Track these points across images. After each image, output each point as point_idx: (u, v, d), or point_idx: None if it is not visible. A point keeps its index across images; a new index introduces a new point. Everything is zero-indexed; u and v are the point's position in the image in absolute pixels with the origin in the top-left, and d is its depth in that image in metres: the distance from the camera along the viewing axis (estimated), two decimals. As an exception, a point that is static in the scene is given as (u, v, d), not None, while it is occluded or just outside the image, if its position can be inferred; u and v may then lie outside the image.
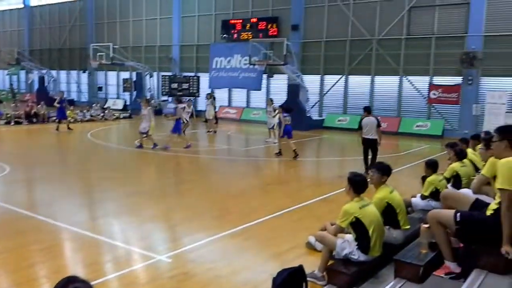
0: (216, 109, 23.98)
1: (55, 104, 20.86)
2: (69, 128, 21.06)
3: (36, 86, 38.27)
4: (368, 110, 12.67)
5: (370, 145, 12.35)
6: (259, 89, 26.17)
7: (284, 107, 15.75)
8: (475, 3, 20.25)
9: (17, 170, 12.39)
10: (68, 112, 24.59)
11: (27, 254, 6.45)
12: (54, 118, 21.78)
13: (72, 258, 6.62)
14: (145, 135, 16.04)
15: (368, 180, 5.59)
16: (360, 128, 12.41)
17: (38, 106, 25.01)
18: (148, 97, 24.28)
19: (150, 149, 15.73)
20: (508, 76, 19.98)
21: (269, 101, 19.12)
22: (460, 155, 7.68)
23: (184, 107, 18.08)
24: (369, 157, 12.48)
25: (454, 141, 8.79)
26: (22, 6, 42.11)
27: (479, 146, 8.14)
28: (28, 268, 6.01)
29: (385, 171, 5.84)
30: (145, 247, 6.76)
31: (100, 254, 6.69)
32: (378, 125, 12.34)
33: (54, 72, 38.94)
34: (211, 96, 21.90)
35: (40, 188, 10.95)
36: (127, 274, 5.87)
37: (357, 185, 5.30)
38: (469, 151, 8.51)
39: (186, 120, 18.61)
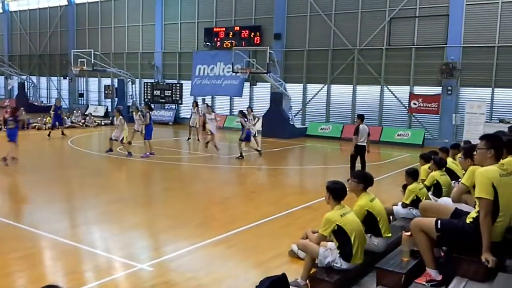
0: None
1: (51, 111, 20.87)
2: (63, 134, 21.07)
3: (15, 92, 37.67)
4: (362, 118, 13.09)
5: (361, 152, 12.68)
6: (240, 96, 26.19)
7: (244, 113, 16.91)
8: (454, 15, 20.66)
9: (-5, 177, 12.15)
10: (48, 119, 24.33)
11: (5, 263, 6.32)
12: (47, 126, 21.86)
13: (52, 266, 6.51)
14: (122, 142, 16.09)
15: (348, 188, 5.62)
16: (356, 134, 12.68)
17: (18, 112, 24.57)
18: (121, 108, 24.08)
19: (134, 157, 15.60)
20: (486, 86, 20.41)
21: (249, 110, 18.66)
22: (440, 164, 7.79)
23: (203, 115, 17.87)
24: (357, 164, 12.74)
25: (426, 152, 8.99)
26: (1, 11, 41.50)
27: (459, 155, 8.27)
28: (6, 277, 5.89)
29: (361, 179, 5.83)
30: (126, 256, 6.68)
31: (81, 262, 6.59)
32: (369, 133, 12.97)
33: (34, 78, 38.45)
34: (197, 104, 21.81)
35: (19, 195, 10.76)
36: (108, 282, 5.79)
37: (336, 192, 5.32)
38: (449, 160, 8.65)
39: (211, 131, 17.56)
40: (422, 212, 5.48)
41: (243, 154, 16.13)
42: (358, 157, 12.83)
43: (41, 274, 6.07)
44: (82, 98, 36.15)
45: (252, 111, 18.73)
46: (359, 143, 12.70)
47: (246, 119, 16.40)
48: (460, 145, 8.82)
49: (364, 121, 13.22)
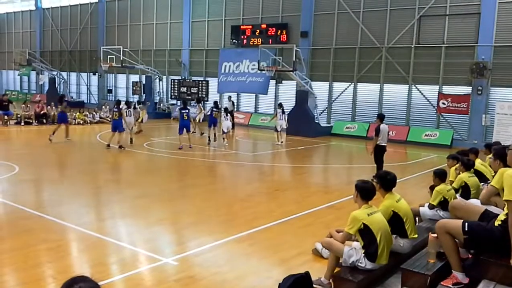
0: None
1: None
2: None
3: (46, 87, 38.58)
4: (382, 118, 13.04)
5: (381, 152, 12.57)
6: (265, 93, 26.22)
7: (216, 104, 20.28)
8: (486, 14, 20.19)
9: (26, 170, 12.48)
10: (77, 114, 24.84)
11: (34, 254, 6.49)
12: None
13: (79, 258, 6.66)
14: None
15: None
16: (377, 134, 12.59)
17: (48, 107, 25.19)
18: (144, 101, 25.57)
19: (158, 152, 15.80)
20: (517, 87, 19.90)
21: (278, 105, 20.84)
22: (467, 165, 7.64)
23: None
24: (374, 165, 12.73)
25: (454, 153, 8.85)
26: (34, 8, 42.55)
27: (489, 156, 8.10)
28: (35, 268, 6.05)
29: (383, 181, 5.71)
30: (151, 249, 6.78)
31: (107, 255, 6.71)
32: (388, 133, 12.97)
33: (64, 74, 39.27)
34: (199, 101, 23.18)
35: (48, 188, 11.02)
36: (133, 276, 5.89)
37: (365, 192, 5.27)
38: (478, 161, 8.48)
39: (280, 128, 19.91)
40: (452, 211, 5.39)
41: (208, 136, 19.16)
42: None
43: (69, 266, 6.21)
44: (111, 94, 36.76)
45: (280, 106, 20.46)
46: (381, 143, 12.59)
47: (215, 110, 19.28)
48: (492, 146, 8.63)
49: (392, 120, 13.16)
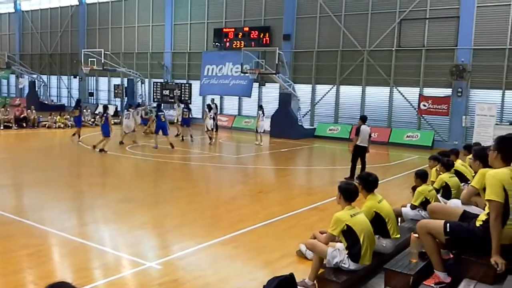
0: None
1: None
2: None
3: (26, 90, 38.00)
4: (364, 119, 13.21)
5: (362, 153, 12.73)
6: (249, 96, 26.23)
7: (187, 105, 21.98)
8: (465, 17, 20.53)
9: (6, 174, 12.27)
10: (58, 118, 24.52)
11: (14, 259, 6.38)
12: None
13: (61, 263, 6.56)
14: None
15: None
16: (357, 134, 12.80)
17: (28, 110, 24.82)
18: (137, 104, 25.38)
19: (142, 155, 15.68)
20: (496, 88, 20.26)
21: (259, 107, 21.45)
22: (447, 166, 7.76)
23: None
24: (358, 166, 12.82)
25: (435, 154, 8.99)
26: (13, 10, 41.89)
27: (469, 156, 8.23)
28: (16, 274, 5.94)
29: (365, 182, 5.77)
30: (135, 254, 6.72)
31: (89, 260, 6.63)
32: (370, 135, 13.14)
33: (44, 77, 38.74)
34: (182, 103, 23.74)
35: (29, 193, 10.85)
36: (116, 280, 5.83)
37: (348, 193, 5.31)
38: (458, 162, 8.61)
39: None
40: (431, 214, 5.45)
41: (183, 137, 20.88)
42: (359, 158, 13.00)
43: (50, 271, 6.12)
44: (92, 97, 36.38)
45: (260, 108, 20.97)
46: (359, 144, 12.75)
47: (185, 110, 20.87)
48: (472, 147, 8.77)
49: (374, 122, 13.32)
